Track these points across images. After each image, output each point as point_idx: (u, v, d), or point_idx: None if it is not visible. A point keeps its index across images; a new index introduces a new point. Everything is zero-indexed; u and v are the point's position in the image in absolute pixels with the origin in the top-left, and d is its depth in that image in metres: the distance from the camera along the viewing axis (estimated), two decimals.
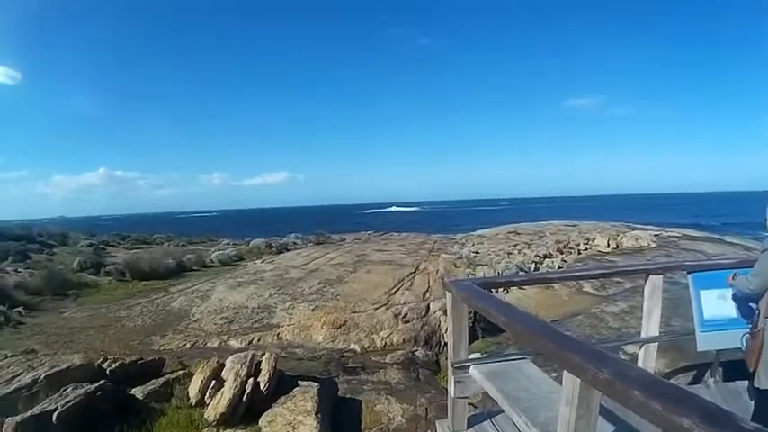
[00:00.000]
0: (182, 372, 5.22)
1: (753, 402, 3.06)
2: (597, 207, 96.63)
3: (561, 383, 1.81)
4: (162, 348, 7.05)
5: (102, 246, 20.34)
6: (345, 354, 6.97)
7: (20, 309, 9.06)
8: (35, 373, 4.45)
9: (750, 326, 2.97)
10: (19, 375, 4.62)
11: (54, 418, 3.71)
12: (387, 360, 6.73)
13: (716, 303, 3.48)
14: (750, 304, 3.10)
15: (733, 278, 3.18)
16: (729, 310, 3.43)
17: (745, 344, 2.97)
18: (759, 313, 2.87)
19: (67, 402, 3.88)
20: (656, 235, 15.82)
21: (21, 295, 9.98)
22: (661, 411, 1.21)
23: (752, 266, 2.99)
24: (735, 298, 3.34)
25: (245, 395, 4.46)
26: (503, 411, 2.89)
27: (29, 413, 3.73)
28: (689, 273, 3.58)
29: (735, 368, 3.65)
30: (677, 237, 15.62)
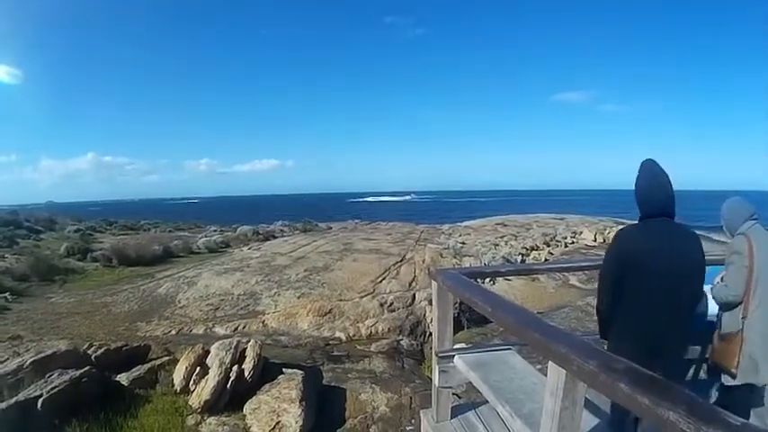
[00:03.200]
0: (167, 358, 5.20)
1: (721, 399, 2.98)
2: (586, 202, 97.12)
3: (546, 375, 1.80)
4: (147, 335, 7.00)
5: (89, 232, 20.13)
6: (330, 342, 6.97)
7: (6, 295, 8.96)
8: (20, 360, 4.39)
9: (717, 326, 2.86)
10: (4, 361, 4.57)
11: (39, 404, 3.67)
12: (372, 349, 6.74)
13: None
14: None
15: (722, 279, 2.95)
16: (713, 307, 3.38)
17: (716, 342, 2.88)
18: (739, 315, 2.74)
19: (53, 389, 3.82)
20: None
21: (7, 281, 9.88)
22: (648, 404, 1.19)
23: None
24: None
25: (230, 382, 4.44)
26: (487, 402, 2.88)
27: (14, 399, 3.68)
28: None
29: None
30: None
